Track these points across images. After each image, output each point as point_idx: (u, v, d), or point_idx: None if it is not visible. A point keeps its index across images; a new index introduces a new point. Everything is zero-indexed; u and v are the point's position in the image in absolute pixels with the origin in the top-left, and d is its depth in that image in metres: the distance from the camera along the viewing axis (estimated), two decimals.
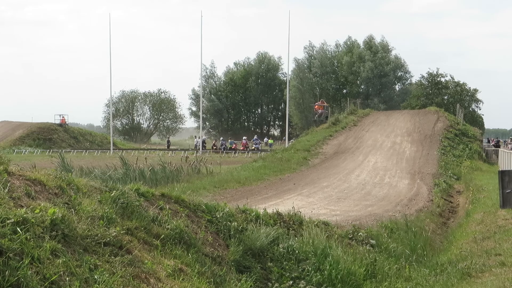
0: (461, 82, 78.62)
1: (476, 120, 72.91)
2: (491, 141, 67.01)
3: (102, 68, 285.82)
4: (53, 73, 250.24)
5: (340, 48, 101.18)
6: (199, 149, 66.51)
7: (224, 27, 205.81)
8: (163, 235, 8.64)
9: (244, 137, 75.31)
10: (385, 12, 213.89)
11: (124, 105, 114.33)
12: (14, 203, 6.65)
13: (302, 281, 10.27)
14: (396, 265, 12.85)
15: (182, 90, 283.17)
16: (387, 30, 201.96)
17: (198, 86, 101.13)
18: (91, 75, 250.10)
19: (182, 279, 7.63)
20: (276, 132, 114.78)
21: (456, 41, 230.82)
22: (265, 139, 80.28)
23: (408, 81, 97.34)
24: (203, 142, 70.40)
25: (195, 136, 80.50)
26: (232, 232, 10.57)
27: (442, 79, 78.05)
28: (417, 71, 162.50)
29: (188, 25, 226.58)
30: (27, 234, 6.01)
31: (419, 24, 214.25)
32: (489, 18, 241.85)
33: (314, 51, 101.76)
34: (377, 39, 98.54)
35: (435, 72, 78.30)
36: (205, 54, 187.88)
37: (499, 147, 53.67)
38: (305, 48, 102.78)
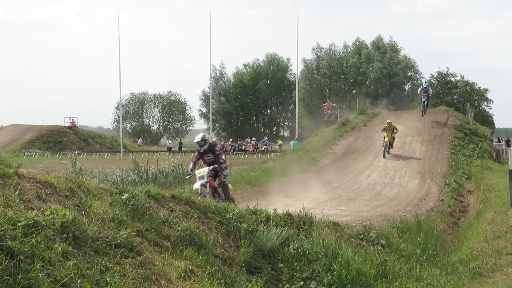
0: (471, 82, 78.37)
1: (486, 120, 72.57)
2: (501, 140, 66.70)
3: (111, 71, 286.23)
4: (62, 76, 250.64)
5: (349, 49, 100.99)
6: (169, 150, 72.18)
7: (231, 29, 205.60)
8: (173, 237, 8.66)
9: (253, 138, 75.34)
10: (391, 12, 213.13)
11: (134, 107, 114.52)
12: (24, 205, 6.68)
13: (313, 282, 10.26)
14: (407, 265, 12.84)
15: (191, 91, 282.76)
16: (394, 30, 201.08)
17: (208, 87, 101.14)
18: (100, 78, 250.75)
19: (193, 281, 7.64)
20: (285, 133, 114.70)
21: (464, 40, 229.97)
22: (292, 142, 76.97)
23: (418, 81, 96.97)
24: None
25: (168, 138, 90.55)
26: (242, 233, 10.56)
27: (452, 79, 77.78)
28: (424, 71, 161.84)
29: (194, 26, 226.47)
30: (38, 236, 6.04)
31: (425, 23, 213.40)
32: (496, 18, 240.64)
33: (322, 52, 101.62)
34: (385, 40, 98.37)
35: (445, 72, 78.10)
36: (213, 55, 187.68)
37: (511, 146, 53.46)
38: (313, 49, 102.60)
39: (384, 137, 35.45)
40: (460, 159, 35.27)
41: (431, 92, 43.44)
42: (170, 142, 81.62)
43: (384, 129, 35.92)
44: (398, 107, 73.01)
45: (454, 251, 15.62)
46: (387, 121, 36.52)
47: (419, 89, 43.53)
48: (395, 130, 35.58)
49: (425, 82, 44.93)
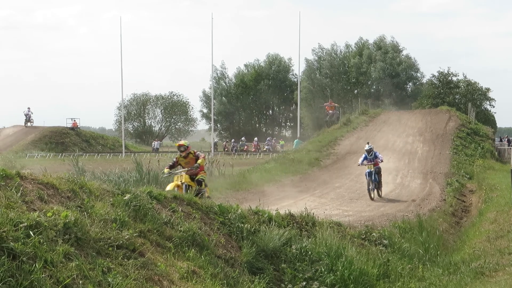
0: (473, 81, 78.18)
1: (488, 119, 72.39)
2: (503, 140, 66.59)
3: (113, 71, 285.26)
4: (64, 77, 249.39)
5: (351, 48, 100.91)
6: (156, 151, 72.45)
7: (233, 29, 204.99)
8: (176, 238, 8.66)
9: (255, 138, 75.39)
10: (394, 12, 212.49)
11: (136, 108, 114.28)
12: (27, 207, 6.68)
13: (315, 282, 10.26)
14: (409, 265, 12.83)
15: (192, 91, 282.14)
16: (397, 30, 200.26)
17: (209, 88, 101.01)
18: (102, 79, 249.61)
19: (195, 281, 7.64)
20: (287, 133, 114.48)
21: (466, 40, 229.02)
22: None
23: (419, 81, 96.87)
24: (215, 144, 71.02)
25: (155, 139, 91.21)
26: (244, 234, 10.56)
27: (454, 78, 77.66)
28: (427, 71, 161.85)
29: (197, 27, 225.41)
30: (40, 237, 6.04)
31: (428, 23, 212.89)
32: (499, 17, 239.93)
33: (324, 52, 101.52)
34: (388, 39, 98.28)
35: (446, 71, 77.98)
36: (215, 55, 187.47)
37: None
38: (313, 50, 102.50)
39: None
40: (462, 158, 35.24)
41: (381, 160, 24.82)
42: (156, 143, 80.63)
43: (172, 164, 16.75)
44: (400, 107, 73.01)
45: (456, 251, 15.61)
46: (178, 142, 18.32)
47: (361, 159, 24.70)
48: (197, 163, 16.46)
49: (368, 145, 25.18)
